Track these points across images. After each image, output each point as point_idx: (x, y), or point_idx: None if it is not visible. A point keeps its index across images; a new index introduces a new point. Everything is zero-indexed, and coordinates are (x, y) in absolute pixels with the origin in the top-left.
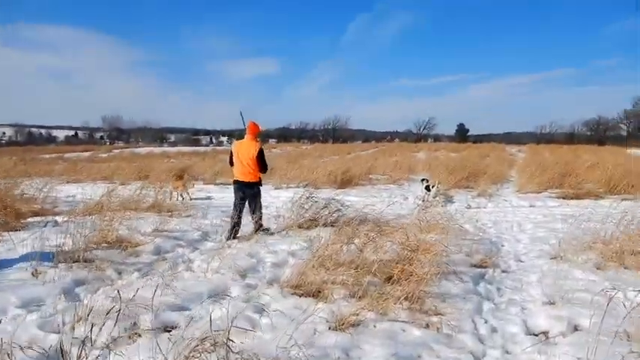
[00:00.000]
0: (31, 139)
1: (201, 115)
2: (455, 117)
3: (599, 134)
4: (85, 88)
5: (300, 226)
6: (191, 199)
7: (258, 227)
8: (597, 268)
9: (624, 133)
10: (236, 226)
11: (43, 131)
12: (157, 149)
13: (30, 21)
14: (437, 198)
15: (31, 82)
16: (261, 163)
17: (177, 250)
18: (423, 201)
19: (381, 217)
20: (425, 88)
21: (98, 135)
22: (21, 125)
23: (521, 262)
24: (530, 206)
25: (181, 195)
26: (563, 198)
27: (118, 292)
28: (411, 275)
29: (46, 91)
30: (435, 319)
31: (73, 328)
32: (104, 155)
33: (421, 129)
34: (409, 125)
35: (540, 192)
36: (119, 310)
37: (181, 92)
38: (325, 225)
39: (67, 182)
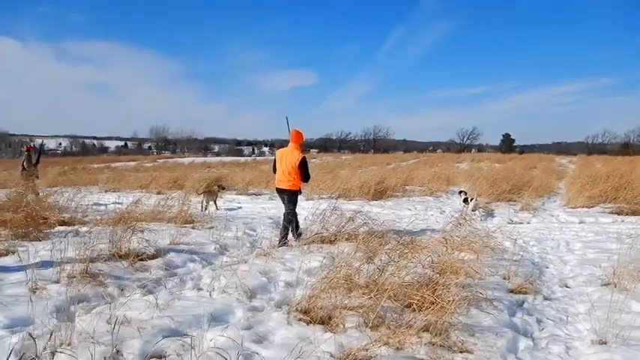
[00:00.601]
0: (85, 150)
1: (243, 126)
2: (500, 127)
3: None
4: (133, 101)
5: (322, 240)
6: (218, 210)
7: (283, 240)
8: None
9: None
10: (285, 230)
11: (95, 142)
12: (199, 159)
13: (77, 37)
14: (476, 212)
15: (83, 95)
16: (304, 172)
17: (188, 266)
18: (461, 214)
19: (410, 231)
20: (467, 97)
21: (146, 145)
22: (75, 136)
23: (568, 287)
24: (580, 222)
25: (206, 205)
26: (618, 214)
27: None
28: (434, 303)
29: (97, 104)
30: (459, 357)
31: (53, 354)
32: (149, 165)
33: (464, 139)
34: (452, 135)
35: (592, 207)
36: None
37: (224, 103)
38: (349, 240)
39: (106, 191)
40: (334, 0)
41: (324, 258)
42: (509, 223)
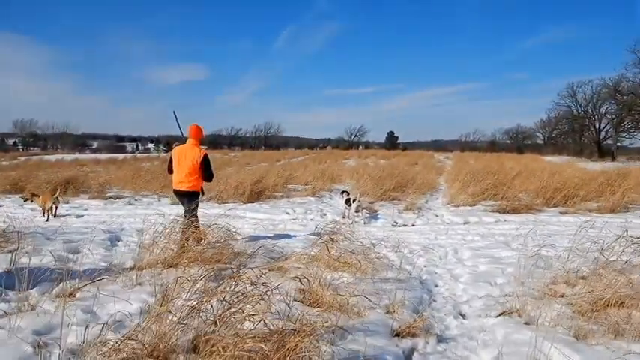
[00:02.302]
0: None
1: (126, 122)
2: (385, 125)
3: (518, 142)
4: None
5: (163, 263)
6: (54, 217)
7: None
8: (576, 337)
9: (540, 142)
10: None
11: None
12: (70, 156)
13: None
14: (359, 213)
15: None
16: (206, 170)
17: None
18: (343, 217)
19: (280, 245)
20: (355, 96)
21: (11, 141)
22: None
23: (464, 318)
24: (465, 223)
25: (49, 210)
26: (499, 212)
27: None
28: None
29: None
30: None
31: None
32: (6, 163)
33: (352, 136)
34: (341, 133)
35: (474, 205)
36: None
37: (104, 97)
38: (198, 260)
39: None
40: None
41: (153, 295)
42: (394, 225)
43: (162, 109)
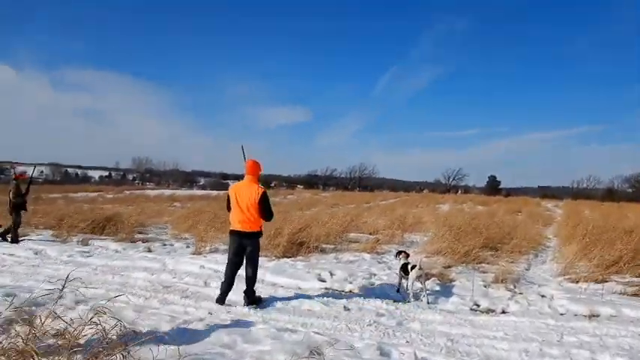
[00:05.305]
0: (67, 179)
1: (231, 160)
2: (486, 169)
3: None
4: (122, 131)
5: None
6: None
7: (249, 298)
8: None
9: None
10: (228, 286)
11: (79, 171)
12: (169, 191)
13: (73, 65)
14: (421, 285)
15: (68, 124)
16: (265, 209)
17: None
18: (398, 290)
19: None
20: (454, 139)
21: (131, 176)
22: (58, 165)
23: None
24: (591, 316)
25: None
26: None
27: None
28: None
29: (82, 133)
30: None
31: None
32: (110, 196)
33: (450, 179)
34: (438, 176)
35: (602, 280)
36: None
37: (212, 136)
38: None
39: None
40: (330, 40)
41: None
42: (473, 310)
43: (265, 148)
